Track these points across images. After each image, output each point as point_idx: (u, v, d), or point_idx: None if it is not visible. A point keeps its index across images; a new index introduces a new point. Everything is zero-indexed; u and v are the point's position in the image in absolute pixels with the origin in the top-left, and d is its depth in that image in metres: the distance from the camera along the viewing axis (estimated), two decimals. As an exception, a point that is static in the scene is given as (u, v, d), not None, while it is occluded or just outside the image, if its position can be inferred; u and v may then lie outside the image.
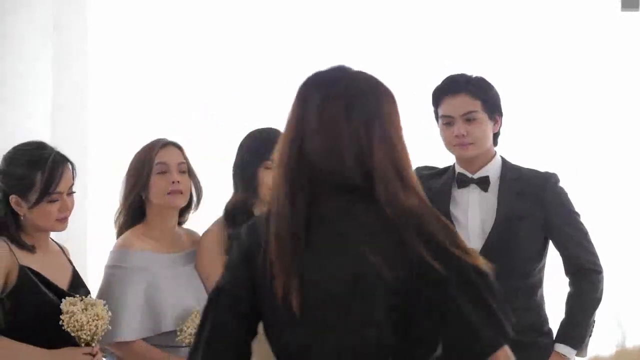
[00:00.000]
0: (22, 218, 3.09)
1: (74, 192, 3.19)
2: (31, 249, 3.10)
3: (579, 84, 4.82)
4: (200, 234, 3.51)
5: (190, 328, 3.22)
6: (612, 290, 3.71)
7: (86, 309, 3.05)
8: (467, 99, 3.50)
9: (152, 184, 3.34)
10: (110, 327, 3.13)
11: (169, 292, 3.31)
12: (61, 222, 3.14)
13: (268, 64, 5.10)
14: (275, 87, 5.21)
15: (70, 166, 3.15)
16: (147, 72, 5.06)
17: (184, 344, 3.24)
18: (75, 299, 3.07)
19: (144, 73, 5.03)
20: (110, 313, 3.12)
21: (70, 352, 3.08)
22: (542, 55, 4.80)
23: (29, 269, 3.06)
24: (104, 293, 3.28)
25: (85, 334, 3.04)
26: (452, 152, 3.54)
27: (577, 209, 3.54)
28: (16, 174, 3.06)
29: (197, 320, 3.13)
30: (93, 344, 3.09)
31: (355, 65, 4.93)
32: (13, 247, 3.06)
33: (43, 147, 3.13)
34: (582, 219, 3.53)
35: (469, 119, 3.48)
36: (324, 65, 5.04)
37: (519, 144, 4.37)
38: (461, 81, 3.53)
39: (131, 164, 3.40)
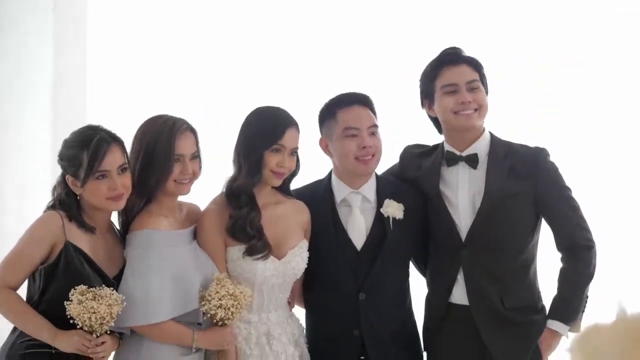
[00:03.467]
0: (79, 197, 3.27)
1: (126, 170, 3.27)
2: (91, 229, 3.27)
3: (576, 64, 4.79)
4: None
5: (215, 299, 3.23)
6: (607, 263, 3.68)
7: (94, 300, 3.10)
8: (469, 69, 3.53)
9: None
10: (111, 322, 3.13)
11: (193, 269, 3.32)
12: (114, 200, 3.26)
13: (268, 63, 5.12)
14: (275, 87, 5.23)
15: (118, 145, 3.27)
16: (147, 70, 5.09)
17: (208, 314, 3.25)
18: (85, 288, 3.13)
19: (143, 70, 5.06)
20: (116, 307, 3.13)
21: (71, 335, 3.13)
22: (538, 36, 4.79)
23: (75, 247, 3.20)
24: (133, 276, 3.27)
25: (84, 322, 3.09)
26: (454, 121, 3.50)
27: (568, 184, 3.51)
28: (69, 154, 3.26)
29: (222, 291, 3.21)
30: (95, 335, 3.13)
31: (354, 62, 4.95)
32: (67, 224, 3.23)
33: (93, 129, 3.30)
34: (574, 194, 3.51)
35: (472, 87, 3.49)
36: (324, 64, 5.07)
37: (513, 120, 4.36)
38: (459, 53, 3.56)
39: (147, 143, 3.33)
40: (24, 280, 3.26)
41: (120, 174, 3.26)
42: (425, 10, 5.07)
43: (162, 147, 3.32)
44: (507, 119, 4.67)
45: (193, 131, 3.41)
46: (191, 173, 3.37)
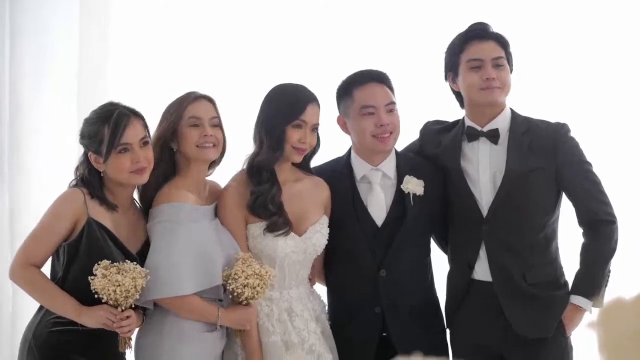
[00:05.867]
0: (102, 175, 3.27)
1: (147, 143, 3.27)
2: (113, 207, 3.26)
3: (576, 64, 4.77)
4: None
5: (242, 278, 3.21)
6: (629, 238, 3.67)
7: (118, 274, 3.09)
8: (496, 45, 3.51)
9: (184, 135, 3.34)
10: (136, 295, 3.12)
11: (216, 245, 3.30)
12: (137, 173, 3.25)
13: (271, 62, 5.09)
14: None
15: (138, 119, 3.27)
16: (151, 70, 5.04)
17: (235, 293, 3.23)
18: (108, 263, 3.12)
19: (166, 51, 5.00)
20: (140, 280, 3.11)
21: (96, 310, 3.12)
22: (538, 36, 4.78)
23: (98, 223, 3.19)
24: (159, 249, 3.25)
25: (109, 296, 3.08)
26: (477, 97, 3.48)
27: (589, 159, 3.50)
28: (90, 131, 3.26)
29: (248, 270, 3.19)
30: (120, 309, 3.12)
31: (356, 59, 4.91)
32: (89, 201, 3.21)
33: (112, 104, 3.30)
34: (595, 169, 3.50)
35: (498, 64, 3.48)
36: (325, 63, 5.04)
37: (529, 95, 4.34)
38: (487, 29, 3.54)
39: (162, 117, 3.38)
40: (48, 258, 3.24)
41: (142, 147, 3.25)
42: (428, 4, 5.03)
43: (176, 112, 3.34)
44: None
45: (210, 100, 3.41)
46: (212, 136, 3.34)
